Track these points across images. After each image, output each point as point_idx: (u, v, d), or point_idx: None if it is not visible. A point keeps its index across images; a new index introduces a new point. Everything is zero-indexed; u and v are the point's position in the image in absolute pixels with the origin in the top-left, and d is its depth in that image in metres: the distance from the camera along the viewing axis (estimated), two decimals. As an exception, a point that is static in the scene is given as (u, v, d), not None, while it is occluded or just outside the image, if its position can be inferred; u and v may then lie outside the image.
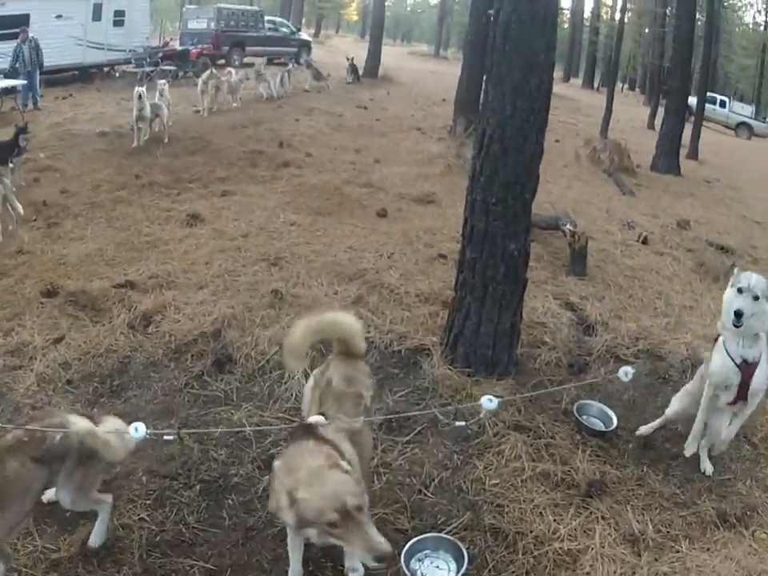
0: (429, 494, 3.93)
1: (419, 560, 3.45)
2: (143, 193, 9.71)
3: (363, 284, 6.54)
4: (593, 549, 3.51)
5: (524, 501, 3.86)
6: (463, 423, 3.80)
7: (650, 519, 3.78)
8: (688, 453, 4.28)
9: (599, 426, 4.58)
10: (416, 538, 3.49)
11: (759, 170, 21.05)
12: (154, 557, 3.41)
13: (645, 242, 8.87)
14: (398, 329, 5.64)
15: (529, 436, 4.43)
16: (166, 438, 3.62)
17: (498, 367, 5.10)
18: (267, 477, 3.82)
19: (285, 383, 4.99)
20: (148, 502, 3.79)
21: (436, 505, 3.85)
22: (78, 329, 5.64)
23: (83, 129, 14.07)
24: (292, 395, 4.84)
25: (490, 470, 4.12)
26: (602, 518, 3.75)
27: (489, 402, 3.47)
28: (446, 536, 3.53)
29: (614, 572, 3.39)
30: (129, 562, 3.35)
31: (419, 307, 6.05)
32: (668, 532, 3.71)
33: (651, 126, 24.49)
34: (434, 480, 4.03)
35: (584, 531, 3.64)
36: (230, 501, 3.85)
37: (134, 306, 5.95)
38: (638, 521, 3.74)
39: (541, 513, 3.77)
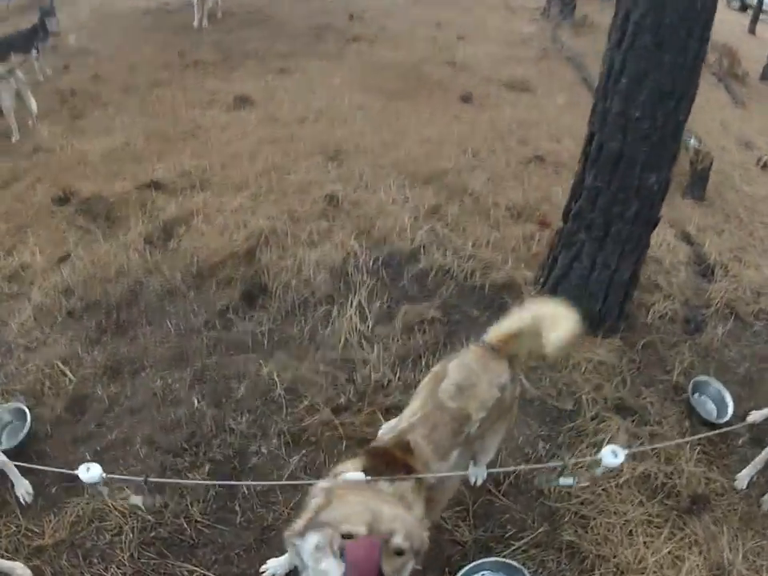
0: (499, 496, 3.10)
1: None
2: (186, 73, 8.34)
3: (441, 189, 5.22)
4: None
5: (614, 514, 3.07)
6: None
7: (742, 544, 3.05)
8: None
9: (712, 413, 3.78)
10: (471, 564, 2.73)
11: None
12: (148, 557, 2.77)
13: (765, 166, 7.38)
14: (482, 255, 4.38)
15: (633, 421, 3.53)
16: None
17: (605, 323, 4.02)
18: (296, 458, 3.15)
19: (332, 323, 3.86)
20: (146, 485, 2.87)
21: (506, 511, 3.05)
22: (86, 245, 4.67)
23: (125, 7, 12.37)
24: (340, 340, 3.75)
25: (581, 466, 3.11)
26: (696, 542, 3.03)
27: (612, 457, 2.10)
28: (510, 562, 2.76)
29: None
30: (118, 560, 2.76)
31: (510, 226, 4.74)
32: (754, 562, 3.01)
33: (752, 30, 20.96)
34: (508, 477, 3.16)
35: (673, 561, 2.93)
36: (245, 490, 3.03)
37: (155, 215, 4.87)
38: (730, 547, 3.02)
39: (631, 532, 3.02)
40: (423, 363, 3.60)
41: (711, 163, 6.16)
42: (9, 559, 2.73)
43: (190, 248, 4.48)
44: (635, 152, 3.65)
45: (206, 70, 8.48)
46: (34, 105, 6.94)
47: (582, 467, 3.04)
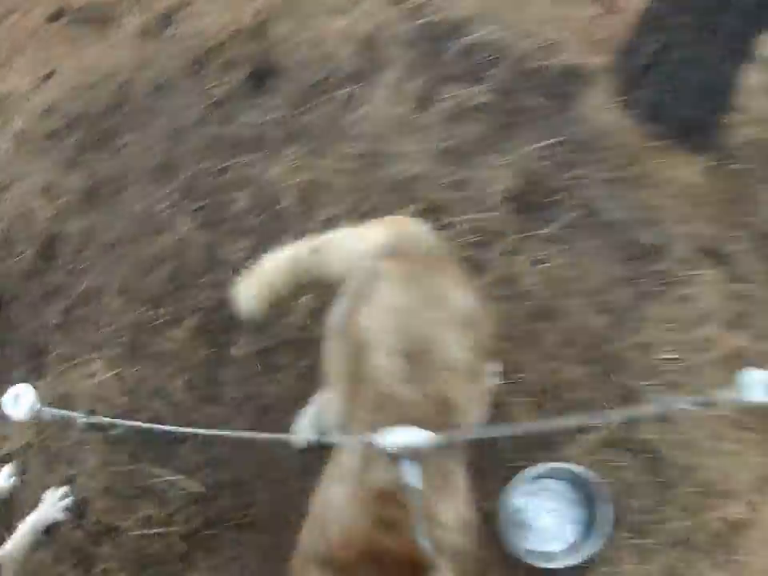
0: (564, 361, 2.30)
1: (531, 494, 2.14)
2: None
3: None
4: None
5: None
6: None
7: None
8: None
9: None
10: (526, 470, 2.09)
11: None
12: (119, 461, 2.25)
13: None
14: (541, 32, 3.22)
15: (726, 272, 2.64)
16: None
17: (696, 135, 3.00)
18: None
19: (359, 107, 2.87)
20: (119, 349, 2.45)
21: (576, 385, 2.29)
22: (75, 52, 3.80)
23: None
24: (369, 130, 2.82)
25: (670, 327, 2.42)
26: None
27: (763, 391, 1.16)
28: (574, 468, 2.10)
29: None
30: (84, 463, 2.28)
31: (576, 5, 3.58)
32: None
33: None
34: (575, 335, 2.37)
35: (761, 487, 2.20)
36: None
37: (152, 6, 3.98)
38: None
39: (720, 435, 2.26)
40: (471, 161, 2.70)
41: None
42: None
43: (192, 31, 3.50)
44: None
45: None
46: None
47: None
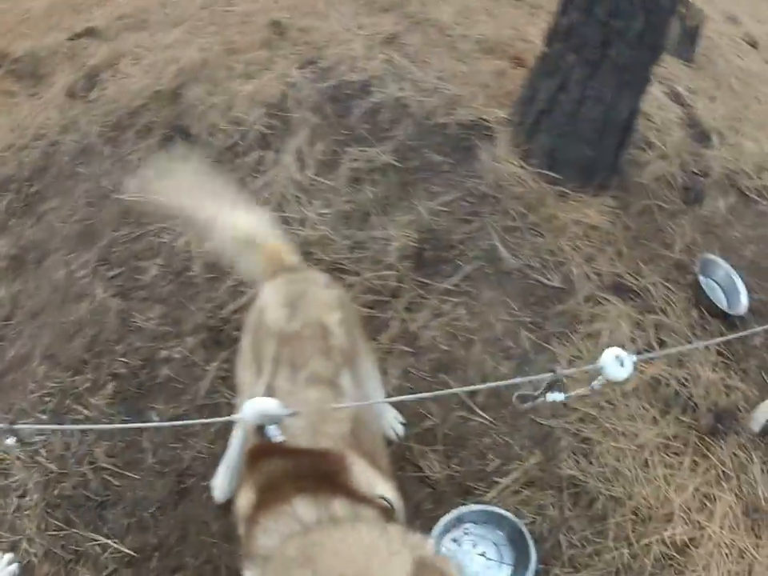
0: (475, 410, 2.40)
1: (454, 540, 2.14)
2: None
3: (402, 18, 4.15)
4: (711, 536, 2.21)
5: (623, 435, 2.41)
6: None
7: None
8: None
9: (722, 301, 3.05)
10: (449, 516, 2.10)
11: None
12: (55, 526, 2.22)
13: (754, 45, 6.25)
14: (446, 89, 3.43)
15: (634, 305, 2.82)
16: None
17: (597, 175, 3.20)
18: (214, 364, 2.49)
19: (265, 172, 3.02)
20: (44, 416, 2.45)
21: (486, 433, 2.37)
22: (7, 111, 3.88)
23: None
24: (273, 194, 2.96)
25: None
26: (724, 475, 2.40)
27: (616, 366, 1.41)
28: (499, 510, 2.12)
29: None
30: (27, 534, 2.22)
31: (480, 60, 3.75)
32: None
33: None
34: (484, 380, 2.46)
35: (702, 502, 2.31)
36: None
37: (83, 63, 4.10)
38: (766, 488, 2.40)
39: (646, 462, 2.36)
40: (371, 222, 2.84)
41: (701, 23, 5.05)
42: None
43: (114, 94, 3.62)
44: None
45: None
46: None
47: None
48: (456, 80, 3.47)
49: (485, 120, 3.27)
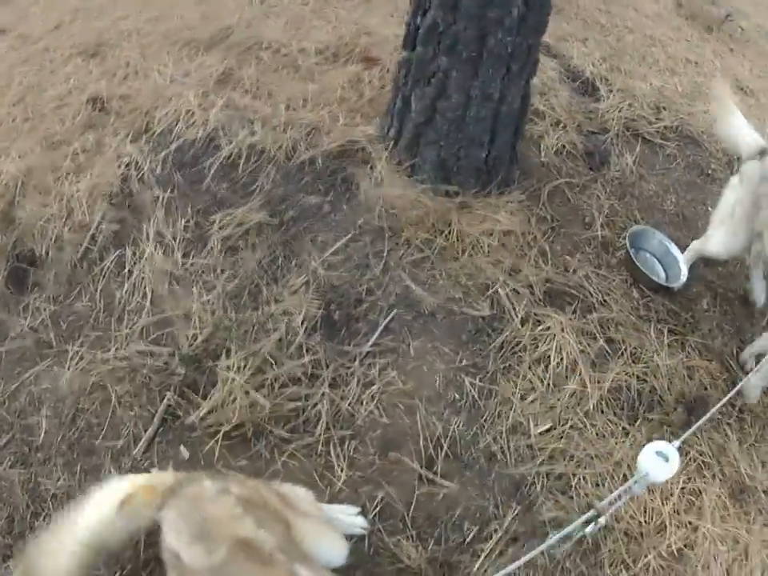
0: (436, 482, 2.15)
1: None
2: None
3: (229, 49, 3.66)
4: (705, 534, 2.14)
5: (596, 459, 2.25)
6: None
7: (755, 447, 2.42)
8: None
9: (660, 270, 2.90)
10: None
11: None
12: None
13: None
14: (300, 118, 3.01)
15: (573, 311, 2.59)
16: None
17: (496, 175, 2.90)
18: None
19: (128, 273, 2.57)
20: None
21: (456, 501, 2.13)
22: None
23: None
24: (145, 296, 2.51)
25: (534, 398, 2.35)
26: (705, 464, 2.32)
27: (661, 463, 1.28)
28: None
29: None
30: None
31: (327, 71, 3.35)
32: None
33: None
34: (440, 448, 2.22)
35: (689, 502, 2.22)
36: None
37: None
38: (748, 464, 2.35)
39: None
40: (262, 296, 2.47)
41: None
42: None
43: None
44: None
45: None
46: None
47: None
48: (309, 104, 3.08)
49: (354, 142, 2.90)
